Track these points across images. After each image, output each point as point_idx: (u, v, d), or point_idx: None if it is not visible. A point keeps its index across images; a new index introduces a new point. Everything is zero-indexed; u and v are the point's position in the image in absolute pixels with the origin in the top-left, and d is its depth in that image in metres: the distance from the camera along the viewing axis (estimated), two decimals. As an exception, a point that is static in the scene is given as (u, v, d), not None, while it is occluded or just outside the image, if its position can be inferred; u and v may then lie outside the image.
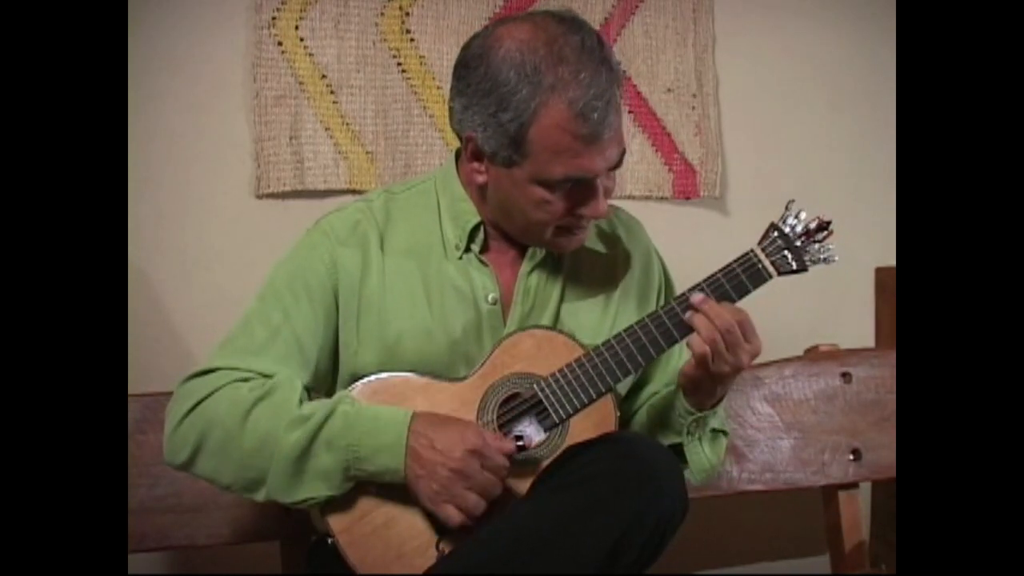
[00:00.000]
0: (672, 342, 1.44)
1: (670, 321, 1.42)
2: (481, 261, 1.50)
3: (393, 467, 1.34)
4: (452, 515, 1.34)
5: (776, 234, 1.47)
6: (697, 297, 1.41)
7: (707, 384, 1.43)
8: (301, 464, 1.35)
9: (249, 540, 1.73)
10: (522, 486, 1.39)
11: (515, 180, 1.40)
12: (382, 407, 1.38)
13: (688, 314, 1.41)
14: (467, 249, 1.50)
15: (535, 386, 1.42)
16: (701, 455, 1.52)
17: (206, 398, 1.38)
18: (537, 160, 1.37)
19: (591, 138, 1.35)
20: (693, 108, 2.22)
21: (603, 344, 1.43)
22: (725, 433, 1.57)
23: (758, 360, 1.80)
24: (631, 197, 2.17)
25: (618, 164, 1.41)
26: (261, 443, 1.35)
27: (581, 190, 1.40)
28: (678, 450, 1.51)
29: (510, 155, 1.38)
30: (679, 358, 1.63)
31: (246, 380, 1.40)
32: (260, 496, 1.38)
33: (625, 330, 1.43)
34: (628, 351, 1.42)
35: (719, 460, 1.56)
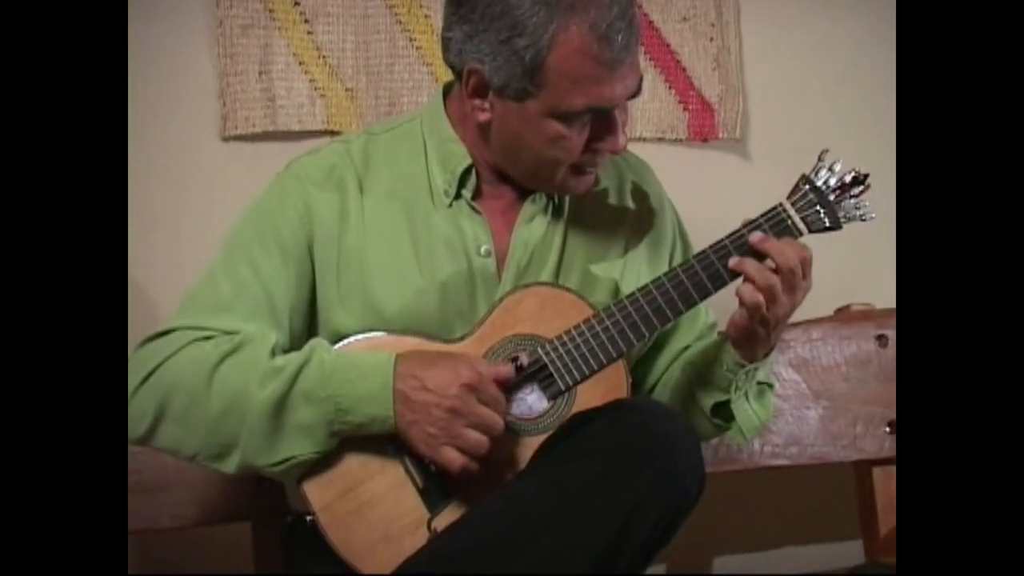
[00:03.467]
0: (692, 304, 1.45)
1: (690, 281, 1.43)
2: (473, 209, 1.50)
3: (381, 415, 1.35)
4: (453, 458, 1.35)
5: (807, 188, 1.48)
6: (756, 236, 1.42)
7: (760, 332, 1.44)
8: (277, 421, 1.36)
9: (217, 521, 1.74)
10: (523, 460, 1.40)
11: (527, 115, 1.40)
12: (362, 352, 1.39)
13: (734, 260, 1.42)
14: (457, 195, 1.50)
15: (539, 350, 1.43)
16: (750, 412, 1.54)
17: (165, 361, 1.39)
18: (554, 90, 1.37)
19: (613, 63, 1.36)
20: (711, 40, 2.21)
21: (615, 304, 1.44)
22: (771, 386, 1.59)
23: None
24: (641, 139, 2.16)
25: (637, 92, 1.43)
26: (230, 403, 1.36)
27: (599, 123, 1.41)
28: (721, 410, 1.53)
29: (524, 87, 1.38)
30: (707, 313, 1.65)
31: (209, 339, 1.41)
32: (231, 465, 1.39)
33: (640, 289, 1.44)
34: (643, 313, 1.43)
35: (768, 415, 1.58)
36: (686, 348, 1.63)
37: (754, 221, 1.45)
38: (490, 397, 1.36)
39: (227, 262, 1.47)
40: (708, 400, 1.53)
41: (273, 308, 1.45)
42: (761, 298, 1.39)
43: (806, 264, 1.41)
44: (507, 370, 1.39)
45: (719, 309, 1.58)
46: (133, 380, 1.40)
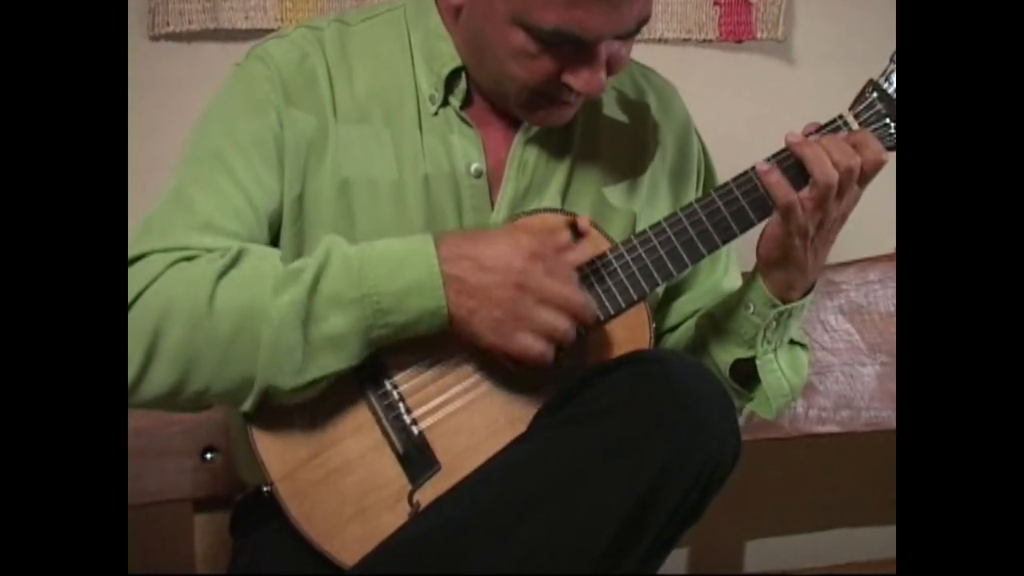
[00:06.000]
0: (731, 236, 1.45)
1: (728, 208, 1.44)
2: (463, 120, 1.50)
3: (431, 307, 1.34)
4: (530, 344, 1.34)
5: (875, 96, 1.47)
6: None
7: (796, 253, 1.44)
8: (302, 333, 1.33)
9: (151, 502, 1.76)
10: (525, 420, 1.41)
11: (493, 13, 1.38)
12: (389, 239, 1.38)
13: (794, 141, 1.42)
14: (444, 103, 1.50)
15: None
16: (778, 373, 1.54)
17: (146, 288, 1.34)
18: None
19: None
20: (747, -83, 2.21)
21: (638, 236, 1.44)
22: (804, 347, 1.59)
23: (833, 260, 1.84)
24: (662, 40, 2.17)
25: (634, 32, 1.41)
26: (241, 321, 1.32)
27: (575, 52, 1.39)
28: (744, 370, 1.54)
29: None
30: (724, 271, 1.67)
31: (192, 259, 1.37)
32: (250, 399, 1.35)
33: (667, 218, 1.44)
34: (670, 246, 1.43)
35: (801, 382, 1.59)
36: (695, 312, 1.65)
37: (781, 152, 1.45)
38: (560, 267, 1.36)
39: (198, 172, 1.44)
40: (727, 356, 1.54)
41: (260, 221, 1.44)
42: (836, 176, 1.40)
43: (867, 168, 1.42)
44: (567, 235, 1.39)
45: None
46: None
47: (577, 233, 1.41)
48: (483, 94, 1.51)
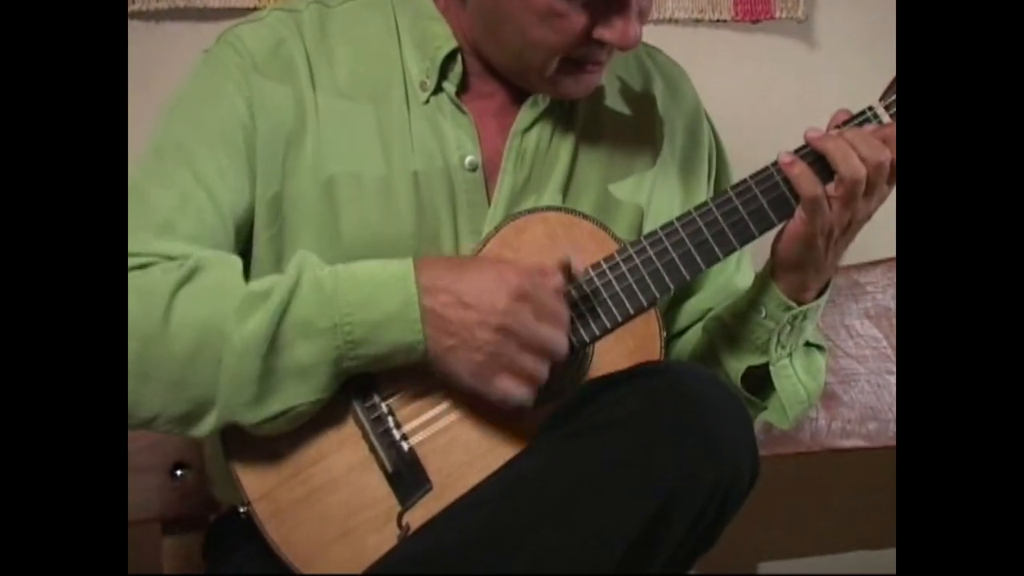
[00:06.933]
0: (748, 237, 1.45)
1: (746, 207, 1.43)
2: (458, 107, 1.50)
3: (408, 342, 1.34)
4: (511, 388, 1.34)
5: None
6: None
7: (816, 253, 1.44)
8: (267, 363, 1.32)
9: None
10: (524, 437, 1.40)
11: None
12: (366, 263, 1.37)
13: (815, 137, 1.42)
14: (438, 89, 1.50)
15: None
16: (794, 379, 1.54)
17: None
18: None
19: None
20: None
21: (647, 237, 1.43)
22: (821, 349, 1.59)
23: (857, 260, 1.83)
24: (672, 21, 2.18)
25: None
26: (200, 342, 1.32)
27: (605, 5, 1.39)
28: (757, 377, 1.54)
29: None
30: (736, 268, 1.67)
31: (146, 267, 1.37)
32: (206, 425, 1.35)
33: (680, 218, 1.44)
34: (683, 249, 1.43)
35: (819, 387, 1.59)
36: (708, 311, 1.65)
37: (804, 149, 1.44)
38: (549, 309, 1.35)
39: (159, 168, 1.44)
40: (739, 364, 1.55)
41: (224, 223, 1.44)
42: (864, 171, 1.39)
43: (894, 164, 1.41)
44: (560, 279, 1.38)
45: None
46: None
47: (570, 276, 1.41)
48: (487, 75, 1.51)
